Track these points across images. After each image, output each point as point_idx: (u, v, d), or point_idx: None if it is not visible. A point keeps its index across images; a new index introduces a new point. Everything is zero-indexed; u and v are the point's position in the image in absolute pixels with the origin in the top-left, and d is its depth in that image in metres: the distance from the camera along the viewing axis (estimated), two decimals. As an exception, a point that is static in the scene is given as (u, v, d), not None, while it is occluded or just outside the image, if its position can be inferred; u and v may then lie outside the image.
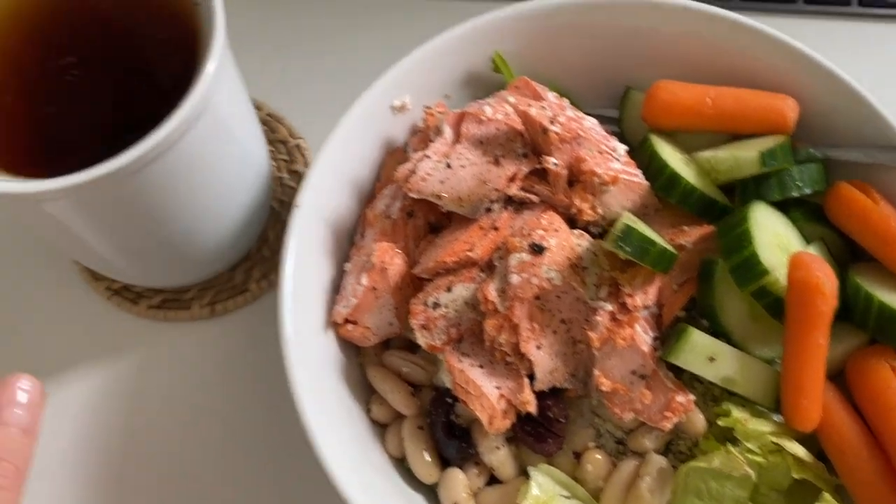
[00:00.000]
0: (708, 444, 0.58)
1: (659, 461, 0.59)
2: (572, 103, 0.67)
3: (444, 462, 0.62)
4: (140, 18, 0.58)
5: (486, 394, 0.58)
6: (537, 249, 0.58)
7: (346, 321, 0.63)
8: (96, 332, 0.74)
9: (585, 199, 0.62)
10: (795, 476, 0.57)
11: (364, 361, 0.66)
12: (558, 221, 0.61)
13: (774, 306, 0.58)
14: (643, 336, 0.58)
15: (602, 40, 0.70)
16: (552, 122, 0.61)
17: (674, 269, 0.59)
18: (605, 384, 0.58)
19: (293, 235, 0.61)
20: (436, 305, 0.60)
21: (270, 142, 0.79)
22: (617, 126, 0.73)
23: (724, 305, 0.60)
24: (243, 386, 0.71)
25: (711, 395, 0.61)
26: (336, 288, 0.65)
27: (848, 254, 0.64)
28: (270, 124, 0.80)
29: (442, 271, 0.61)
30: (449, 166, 0.62)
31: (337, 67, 0.85)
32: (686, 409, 0.58)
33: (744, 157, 0.62)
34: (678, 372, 0.60)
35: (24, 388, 0.45)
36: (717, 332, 0.60)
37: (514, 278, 0.58)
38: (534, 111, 0.61)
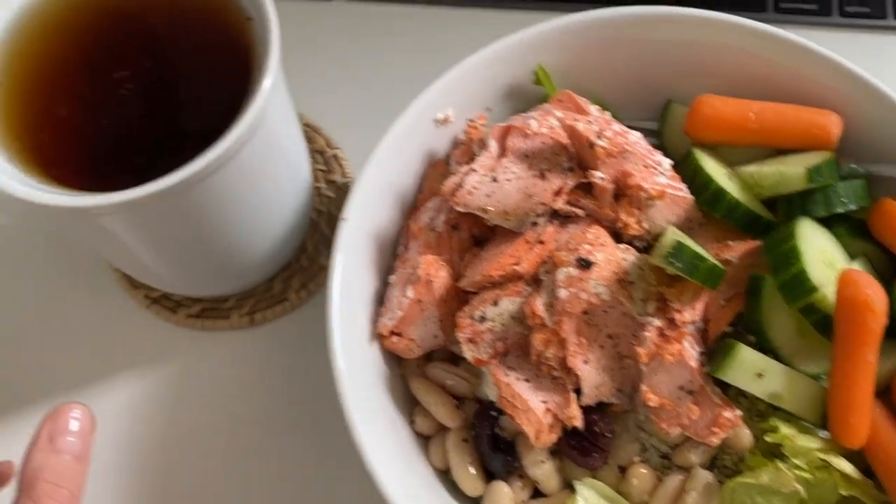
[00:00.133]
0: (755, 459, 0.59)
1: (705, 476, 0.59)
2: (613, 116, 0.67)
3: (488, 475, 0.62)
4: (192, 32, 0.58)
5: (533, 408, 0.59)
6: (585, 264, 0.58)
7: (392, 333, 0.63)
8: (134, 340, 0.74)
9: (631, 214, 0.62)
10: (843, 493, 0.57)
11: (406, 373, 0.66)
12: (604, 236, 0.61)
13: (822, 323, 0.58)
14: (691, 351, 0.58)
15: (644, 53, 0.70)
16: (599, 137, 0.61)
17: (720, 284, 0.59)
18: (653, 399, 0.58)
19: (340, 249, 0.61)
20: (482, 319, 0.60)
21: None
22: (655, 138, 0.73)
23: (771, 321, 0.60)
24: (282, 395, 0.72)
25: (757, 411, 0.61)
26: (379, 299, 0.66)
27: (892, 270, 0.64)
28: (308, 134, 0.81)
29: (488, 285, 0.62)
30: (495, 180, 0.62)
31: (372, 77, 0.85)
32: (733, 425, 0.58)
33: (790, 172, 0.63)
34: (723, 387, 0.60)
35: (75, 417, 0.47)
36: (764, 347, 0.60)
37: (563, 293, 0.58)
38: (581, 125, 0.62)
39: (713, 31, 0.68)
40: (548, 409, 0.59)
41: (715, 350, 0.60)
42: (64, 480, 0.46)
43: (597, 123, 0.63)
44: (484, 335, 0.60)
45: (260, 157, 0.56)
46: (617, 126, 0.64)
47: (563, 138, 0.63)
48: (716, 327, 0.61)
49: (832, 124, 0.65)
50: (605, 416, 0.61)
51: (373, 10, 0.89)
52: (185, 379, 0.73)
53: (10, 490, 0.49)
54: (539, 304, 0.59)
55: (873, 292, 0.56)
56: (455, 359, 0.65)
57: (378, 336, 0.64)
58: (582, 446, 0.60)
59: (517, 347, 0.61)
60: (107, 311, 0.75)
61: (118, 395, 0.72)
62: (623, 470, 0.61)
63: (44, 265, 0.77)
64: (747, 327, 0.62)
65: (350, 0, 0.89)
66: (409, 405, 0.65)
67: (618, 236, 0.63)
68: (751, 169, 0.65)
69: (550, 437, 0.59)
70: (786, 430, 0.58)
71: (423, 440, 0.65)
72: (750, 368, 0.57)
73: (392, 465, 0.58)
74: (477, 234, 0.66)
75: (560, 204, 0.62)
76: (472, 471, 0.61)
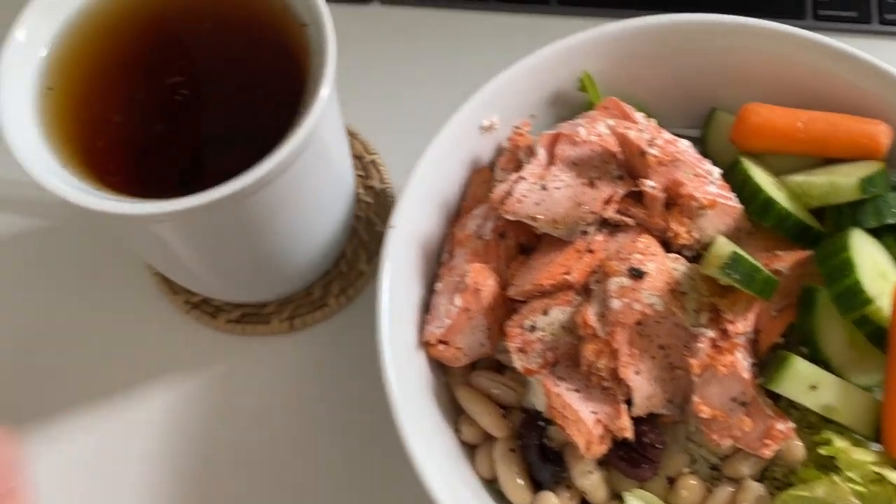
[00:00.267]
0: (807, 472, 0.58)
1: (756, 488, 0.59)
2: (658, 124, 0.67)
3: (535, 485, 0.62)
4: (244, 38, 0.58)
5: (584, 419, 0.58)
6: (637, 274, 0.58)
7: (439, 341, 0.63)
8: (174, 345, 0.74)
9: (682, 223, 0.61)
10: (898, 507, 0.56)
11: (451, 382, 0.66)
12: (655, 245, 0.61)
13: (876, 334, 0.58)
14: (743, 363, 0.58)
15: (689, 61, 0.70)
16: (650, 145, 0.61)
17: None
18: (705, 411, 0.58)
19: (388, 257, 0.61)
20: (532, 328, 0.60)
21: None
22: (698, 146, 0.72)
23: (824, 332, 0.59)
24: (322, 401, 0.71)
25: (807, 422, 0.60)
26: (424, 307, 0.65)
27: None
28: (346, 139, 0.80)
29: (537, 294, 0.61)
30: (544, 188, 0.62)
31: (407, 82, 0.84)
32: (786, 437, 0.58)
33: (841, 183, 0.62)
34: (774, 398, 0.60)
35: None
36: (816, 359, 0.59)
37: (615, 303, 0.58)
38: (632, 134, 0.61)
39: (759, 39, 0.68)
40: (598, 420, 0.59)
41: (766, 361, 0.60)
42: None
43: (647, 131, 0.63)
44: (534, 345, 0.59)
45: (312, 166, 0.56)
46: (667, 134, 0.64)
47: (612, 146, 0.63)
48: (767, 338, 0.60)
49: (882, 134, 0.65)
50: (656, 427, 0.60)
51: (409, 14, 0.89)
52: (224, 384, 0.73)
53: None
54: (591, 315, 0.58)
55: (930, 305, 0.55)
56: (500, 367, 0.65)
57: (424, 344, 0.63)
58: (631, 457, 0.60)
59: (567, 357, 0.60)
60: (146, 315, 0.75)
61: (157, 400, 0.72)
62: (672, 481, 0.61)
63: (84, 269, 0.77)
64: (798, 338, 0.61)
65: (386, 4, 0.89)
66: (454, 414, 0.65)
67: (666, 245, 0.62)
68: (799, 178, 0.65)
69: (601, 448, 0.59)
70: (839, 442, 0.57)
71: (468, 449, 0.65)
72: (804, 380, 0.57)
73: (442, 474, 0.57)
74: (523, 242, 0.65)
75: (610, 213, 0.62)
76: (520, 481, 0.61)
